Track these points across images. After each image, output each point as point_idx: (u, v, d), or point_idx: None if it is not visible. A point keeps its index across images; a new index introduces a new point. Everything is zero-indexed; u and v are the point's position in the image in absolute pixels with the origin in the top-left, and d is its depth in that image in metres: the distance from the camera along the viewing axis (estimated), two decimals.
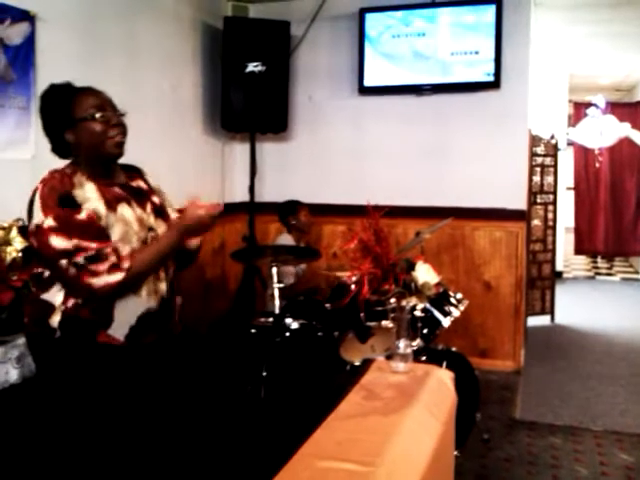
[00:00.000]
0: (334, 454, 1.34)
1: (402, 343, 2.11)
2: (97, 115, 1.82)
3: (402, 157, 4.67)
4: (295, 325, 2.85)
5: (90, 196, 1.79)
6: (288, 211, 4.23)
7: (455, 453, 2.26)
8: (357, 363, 2.57)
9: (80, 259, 1.71)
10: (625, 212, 8.59)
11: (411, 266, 2.26)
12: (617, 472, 3.02)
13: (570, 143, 8.19)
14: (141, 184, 2.02)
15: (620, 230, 8.58)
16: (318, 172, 4.85)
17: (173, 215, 2.06)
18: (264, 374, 2.53)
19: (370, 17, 4.56)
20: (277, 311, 2.90)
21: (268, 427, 2.44)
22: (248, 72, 4.42)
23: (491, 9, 4.32)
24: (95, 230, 1.75)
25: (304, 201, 4.34)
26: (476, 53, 4.38)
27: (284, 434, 2.18)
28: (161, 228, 1.96)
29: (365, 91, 4.64)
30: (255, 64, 4.42)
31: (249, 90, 4.45)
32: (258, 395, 2.56)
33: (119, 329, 1.83)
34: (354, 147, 4.78)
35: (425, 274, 2.28)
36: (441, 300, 3.21)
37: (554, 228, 6.02)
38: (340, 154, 4.81)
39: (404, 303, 2.25)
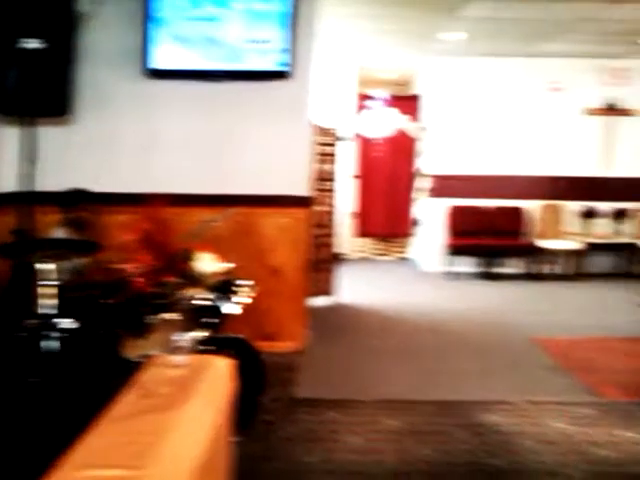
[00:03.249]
0: (98, 461, 1.29)
1: (182, 335, 2.11)
2: None
3: (193, 144, 4.60)
4: (70, 324, 2.69)
5: None
6: (70, 202, 3.95)
7: (238, 439, 2.33)
8: (136, 360, 2.51)
9: None
10: (400, 198, 9.43)
11: (191, 256, 2.27)
12: (385, 437, 3.33)
13: (357, 134, 8.75)
14: None
15: (395, 214, 9.42)
16: (104, 159, 4.58)
17: None
18: (32, 380, 2.36)
19: None
20: (49, 311, 2.71)
21: (29, 439, 2.28)
22: (24, 49, 4.00)
23: None
24: None
25: (89, 190, 4.09)
26: (268, 42, 4.41)
27: (45, 446, 2.05)
28: None
29: (155, 75, 4.46)
30: (32, 40, 4.02)
31: (25, 69, 4.02)
32: (25, 404, 2.38)
33: None
34: (143, 133, 4.59)
35: (205, 263, 2.30)
36: (227, 288, 3.26)
37: (336, 213, 6.41)
38: (128, 140, 4.59)
39: (185, 294, 2.25)
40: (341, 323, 5.60)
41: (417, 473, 2.98)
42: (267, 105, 4.60)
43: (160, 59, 4.45)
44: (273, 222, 4.66)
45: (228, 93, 4.57)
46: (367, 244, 9.54)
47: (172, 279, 2.17)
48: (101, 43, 4.52)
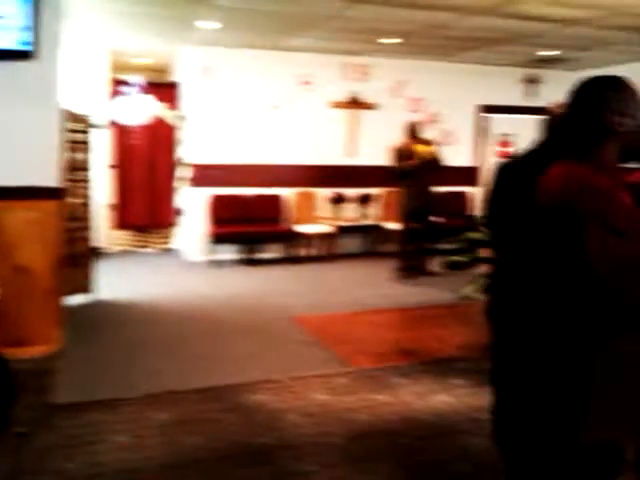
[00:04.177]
0: None
1: None
2: None
3: None
4: None
5: None
6: None
7: None
8: None
9: None
10: (161, 187, 9.23)
11: None
12: (154, 432, 3.26)
13: (112, 121, 8.32)
14: None
15: (156, 204, 9.20)
16: None
17: None
18: None
19: None
20: None
21: None
22: None
23: None
24: None
25: None
26: (5, 18, 4.02)
27: None
28: None
29: None
30: None
31: None
32: None
33: None
34: None
35: None
36: None
37: (92, 205, 6.05)
38: None
39: None
40: (102, 321, 5.33)
41: (187, 463, 2.98)
42: (8, 87, 4.24)
43: None
44: (18, 216, 4.27)
45: None
46: (127, 236, 9.18)
47: None
48: None
